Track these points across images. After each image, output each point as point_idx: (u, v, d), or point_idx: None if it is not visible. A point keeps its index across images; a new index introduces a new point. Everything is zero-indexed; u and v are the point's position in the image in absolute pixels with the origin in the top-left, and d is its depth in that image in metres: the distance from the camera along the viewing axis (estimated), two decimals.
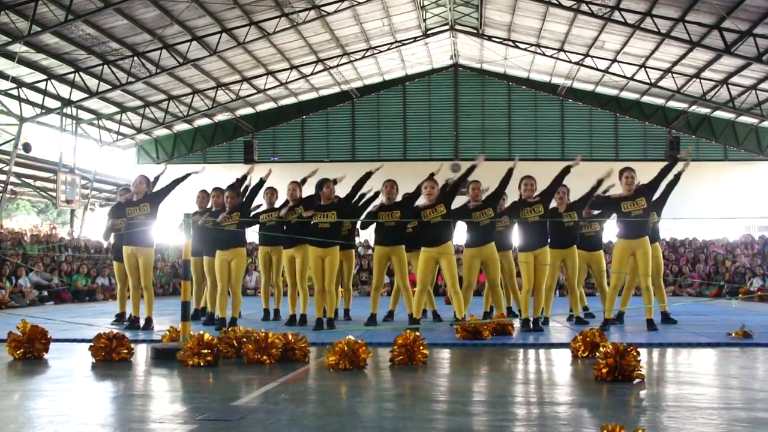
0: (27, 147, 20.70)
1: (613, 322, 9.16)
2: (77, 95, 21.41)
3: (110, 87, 21.36)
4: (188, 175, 9.32)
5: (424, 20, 23.54)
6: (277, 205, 10.02)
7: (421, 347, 5.98)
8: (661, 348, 7.20)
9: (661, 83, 24.03)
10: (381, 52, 24.70)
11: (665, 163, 8.97)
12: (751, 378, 5.60)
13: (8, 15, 15.93)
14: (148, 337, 8.09)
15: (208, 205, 10.22)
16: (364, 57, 24.73)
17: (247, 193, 9.45)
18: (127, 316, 9.50)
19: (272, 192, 10.18)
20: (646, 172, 9.10)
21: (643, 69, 23.28)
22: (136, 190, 9.08)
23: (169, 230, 20.66)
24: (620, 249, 8.66)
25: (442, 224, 8.64)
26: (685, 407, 4.30)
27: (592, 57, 23.42)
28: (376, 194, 10.03)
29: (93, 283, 17.06)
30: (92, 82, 20.95)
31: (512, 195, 9.30)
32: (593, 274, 9.85)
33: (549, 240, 8.84)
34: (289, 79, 25.13)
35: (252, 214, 9.72)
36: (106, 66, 20.08)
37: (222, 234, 9.04)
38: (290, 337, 6.19)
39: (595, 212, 9.59)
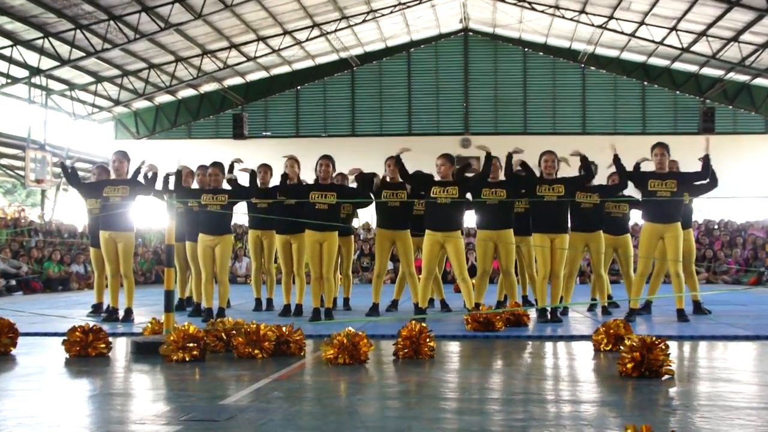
0: None
1: (640, 313, 9.17)
2: (47, 63, 21.36)
3: (84, 54, 21.29)
4: (168, 176, 9.57)
5: None
6: (272, 184, 10.02)
7: (428, 340, 5.99)
8: (693, 341, 7.21)
9: (694, 48, 23.89)
10: (383, 15, 24.58)
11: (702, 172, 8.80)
12: None
13: None
14: (127, 330, 8.11)
15: (193, 185, 10.20)
16: (364, 21, 24.60)
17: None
18: (105, 306, 9.52)
19: (266, 170, 10.15)
20: (677, 146, 9.05)
21: (674, 32, 23.13)
22: (117, 170, 9.05)
23: (150, 213, 20.65)
24: (648, 233, 8.65)
25: (452, 208, 8.63)
26: (720, 406, 4.30)
27: (617, 19, 23.28)
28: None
29: (66, 271, 17.10)
30: (63, 49, 20.88)
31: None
32: (619, 259, 9.83)
33: (571, 223, 8.85)
34: (282, 46, 25.04)
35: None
36: (78, 31, 20.00)
37: (205, 216, 9.02)
38: (284, 329, 6.20)
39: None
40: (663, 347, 5.14)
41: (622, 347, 5.38)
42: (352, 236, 10.83)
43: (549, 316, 8.55)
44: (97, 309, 9.75)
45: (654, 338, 5.18)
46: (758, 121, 27.55)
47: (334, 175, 9.51)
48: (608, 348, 6.29)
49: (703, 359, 6.38)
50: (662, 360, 5.11)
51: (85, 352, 6.23)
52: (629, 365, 5.12)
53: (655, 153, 8.61)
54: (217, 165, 9.27)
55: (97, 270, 9.75)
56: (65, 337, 6.36)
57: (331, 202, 8.71)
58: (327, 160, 8.94)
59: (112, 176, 9.15)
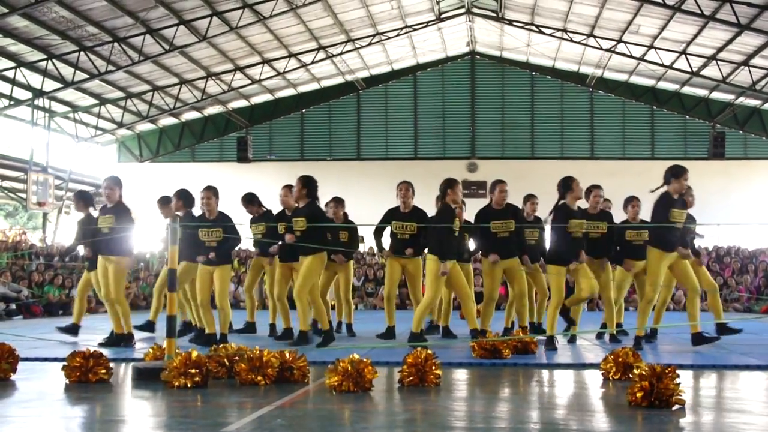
0: None
1: (648, 340, 9.13)
2: (50, 85, 21.51)
3: (87, 76, 21.45)
4: None
5: (438, 2, 23.57)
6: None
7: (434, 367, 5.96)
8: (704, 370, 7.17)
9: (704, 72, 23.96)
10: (390, 38, 24.73)
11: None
12: None
13: None
14: (128, 356, 8.10)
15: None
16: (370, 44, 24.76)
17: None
18: (110, 333, 9.53)
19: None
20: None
21: (683, 56, 23.21)
22: (108, 196, 9.05)
23: (150, 237, 20.68)
24: (656, 258, 8.56)
25: (456, 239, 8.65)
26: None
27: (625, 43, 23.38)
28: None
29: (67, 296, 17.09)
30: (67, 71, 21.03)
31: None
32: (638, 285, 9.81)
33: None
34: (287, 69, 25.19)
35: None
36: (82, 53, 20.16)
37: (206, 249, 8.95)
38: (288, 355, 6.18)
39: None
40: (673, 376, 5.12)
41: (631, 376, 5.35)
42: (351, 261, 10.78)
43: (557, 343, 8.50)
44: (73, 330, 9.83)
45: (664, 367, 5.15)
46: None
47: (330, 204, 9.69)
48: (617, 376, 6.26)
49: (714, 389, 6.34)
50: (672, 389, 5.08)
51: (86, 378, 6.21)
52: (639, 394, 5.09)
53: (684, 177, 8.49)
54: (210, 189, 9.18)
55: (79, 293, 9.98)
56: (65, 363, 6.35)
57: (301, 228, 8.62)
58: (300, 180, 8.73)
59: (106, 203, 9.16)
